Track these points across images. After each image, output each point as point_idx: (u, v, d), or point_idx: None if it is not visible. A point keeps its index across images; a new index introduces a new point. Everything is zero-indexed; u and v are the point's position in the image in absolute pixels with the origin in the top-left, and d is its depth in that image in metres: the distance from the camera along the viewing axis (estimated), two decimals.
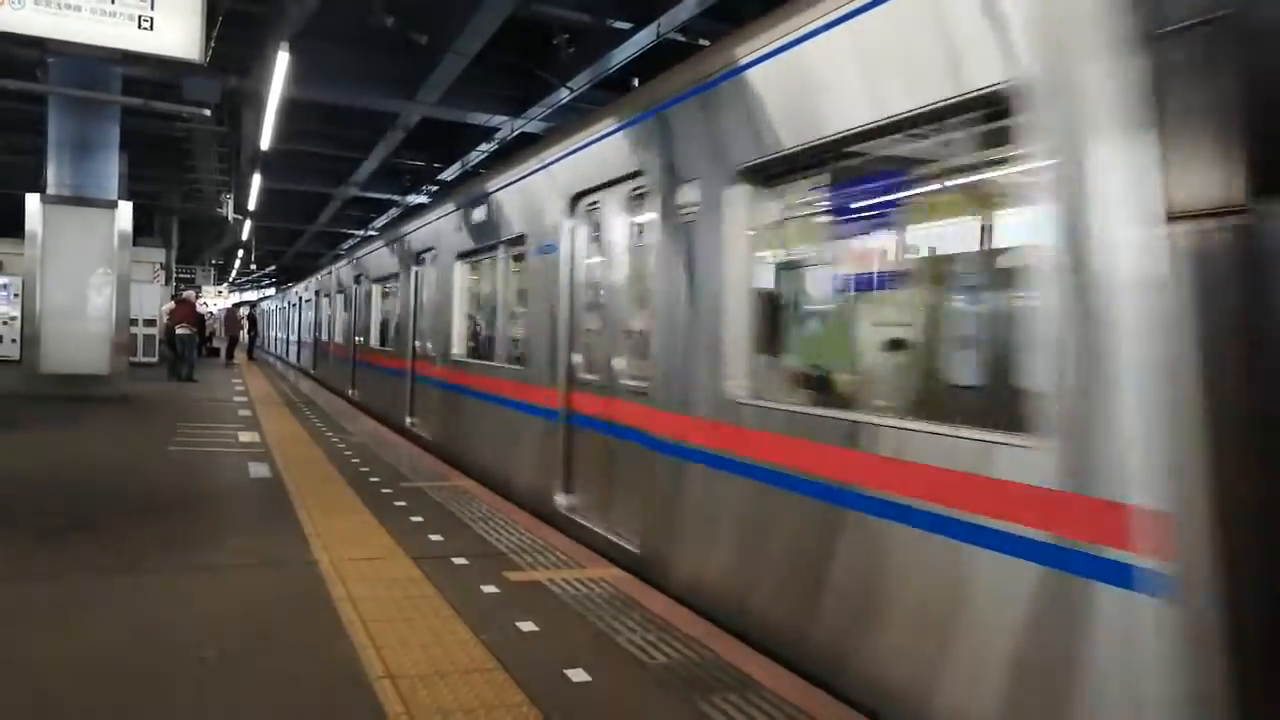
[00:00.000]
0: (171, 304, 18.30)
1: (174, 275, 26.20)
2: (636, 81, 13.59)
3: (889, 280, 4.11)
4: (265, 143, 16.46)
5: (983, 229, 3.68)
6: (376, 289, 14.63)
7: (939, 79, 3.09)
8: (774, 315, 4.42)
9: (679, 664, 3.51)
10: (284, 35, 12.20)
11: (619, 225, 5.64)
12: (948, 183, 3.68)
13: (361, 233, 35.02)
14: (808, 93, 3.79)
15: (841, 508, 3.44)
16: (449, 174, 23.71)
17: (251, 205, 25.22)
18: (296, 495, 6.58)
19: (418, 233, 11.46)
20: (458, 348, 9.30)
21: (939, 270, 3.93)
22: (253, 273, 59.97)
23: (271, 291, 64.21)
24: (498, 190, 8.00)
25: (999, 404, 3.10)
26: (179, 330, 17.71)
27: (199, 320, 20.26)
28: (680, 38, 12.85)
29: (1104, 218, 2.48)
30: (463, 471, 8.09)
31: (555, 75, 15.38)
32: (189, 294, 19.80)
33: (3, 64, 12.90)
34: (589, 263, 6.11)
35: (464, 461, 8.40)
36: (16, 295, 19.03)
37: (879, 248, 4.18)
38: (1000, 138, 3.02)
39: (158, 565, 4.68)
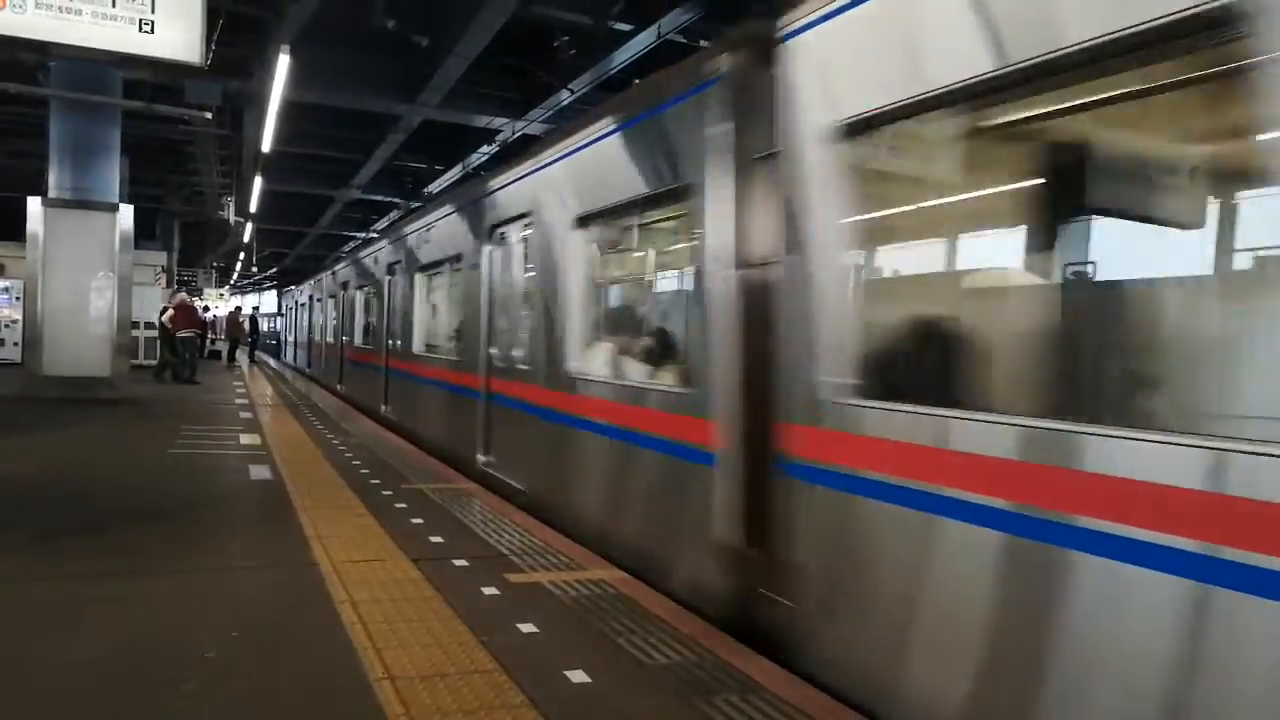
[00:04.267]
0: (170, 309, 18.24)
1: (175, 278, 26.23)
2: (637, 83, 13.59)
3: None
4: (266, 145, 16.47)
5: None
6: (359, 295, 16.28)
7: (644, 183, 5.19)
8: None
9: (679, 665, 3.51)
10: (284, 38, 12.22)
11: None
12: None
13: (363, 235, 35.01)
14: (590, 175, 5.95)
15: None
16: (450, 176, 23.73)
17: (253, 208, 25.25)
18: (297, 497, 6.58)
19: (386, 249, 13.69)
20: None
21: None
22: (254, 275, 59.97)
23: (267, 295, 63.82)
24: (442, 219, 10.11)
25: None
26: (181, 334, 17.76)
27: (200, 323, 20.25)
28: (681, 39, 12.86)
29: (716, 264, 4.35)
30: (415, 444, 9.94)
31: (556, 77, 15.40)
32: (184, 296, 19.62)
33: (4, 67, 12.92)
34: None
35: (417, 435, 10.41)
36: (18, 298, 19.07)
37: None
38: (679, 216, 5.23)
39: (158, 567, 4.68)
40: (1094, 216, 3.64)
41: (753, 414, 4.06)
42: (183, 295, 19.55)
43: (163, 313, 18.26)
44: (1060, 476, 2.61)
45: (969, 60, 2.94)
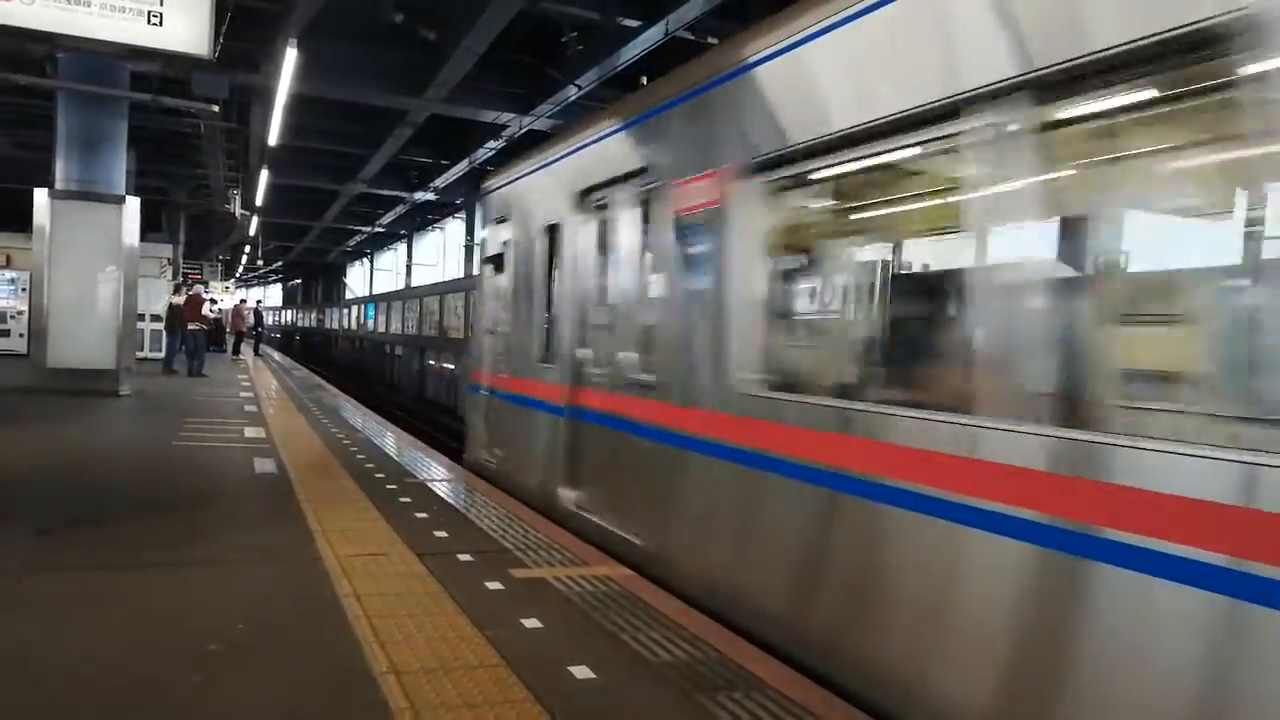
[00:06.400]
0: (179, 298, 18.33)
1: (181, 270, 26.26)
2: (645, 79, 13.57)
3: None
4: (273, 138, 16.51)
5: None
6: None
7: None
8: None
9: (683, 662, 3.50)
10: (292, 31, 12.23)
11: None
12: None
13: (368, 229, 34.97)
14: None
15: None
16: (455, 171, 23.74)
17: (259, 201, 25.29)
18: (301, 490, 6.58)
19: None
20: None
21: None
22: (259, 268, 60.08)
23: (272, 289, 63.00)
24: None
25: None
26: (192, 327, 17.90)
27: (208, 318, 20.38)
28: (689, 36, 12.83)
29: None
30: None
31: (563, 73, 15.39)
32: (200, 290, 19.71)
33: (12, 59, 12.92)
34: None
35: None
36: (24, 290, 19.11)
37: None
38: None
39: (161, 560, 4.68)
40: None
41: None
42: (198, 289, 19.65)
43: (172, 307, 18.32)
44: None
45: None
